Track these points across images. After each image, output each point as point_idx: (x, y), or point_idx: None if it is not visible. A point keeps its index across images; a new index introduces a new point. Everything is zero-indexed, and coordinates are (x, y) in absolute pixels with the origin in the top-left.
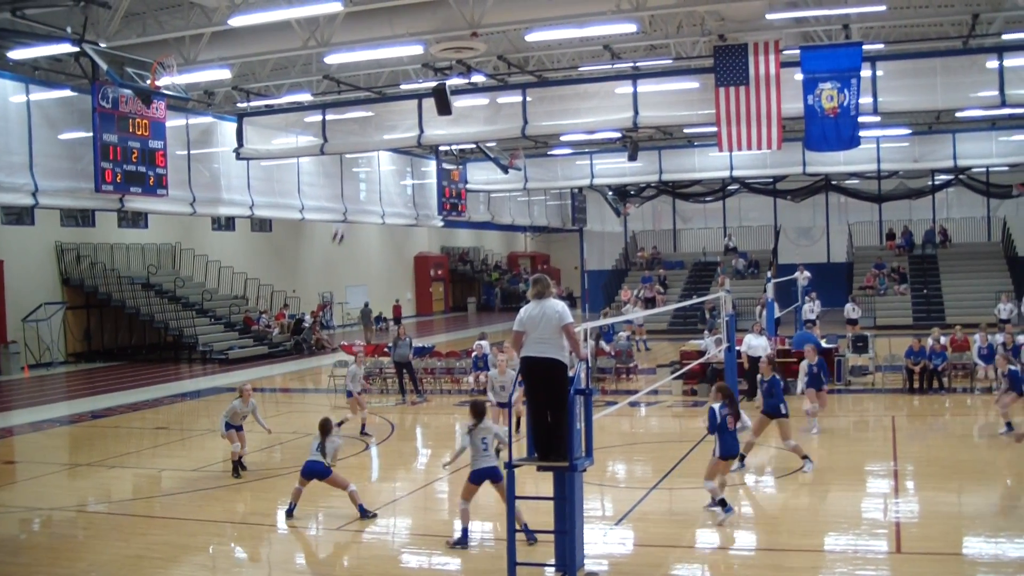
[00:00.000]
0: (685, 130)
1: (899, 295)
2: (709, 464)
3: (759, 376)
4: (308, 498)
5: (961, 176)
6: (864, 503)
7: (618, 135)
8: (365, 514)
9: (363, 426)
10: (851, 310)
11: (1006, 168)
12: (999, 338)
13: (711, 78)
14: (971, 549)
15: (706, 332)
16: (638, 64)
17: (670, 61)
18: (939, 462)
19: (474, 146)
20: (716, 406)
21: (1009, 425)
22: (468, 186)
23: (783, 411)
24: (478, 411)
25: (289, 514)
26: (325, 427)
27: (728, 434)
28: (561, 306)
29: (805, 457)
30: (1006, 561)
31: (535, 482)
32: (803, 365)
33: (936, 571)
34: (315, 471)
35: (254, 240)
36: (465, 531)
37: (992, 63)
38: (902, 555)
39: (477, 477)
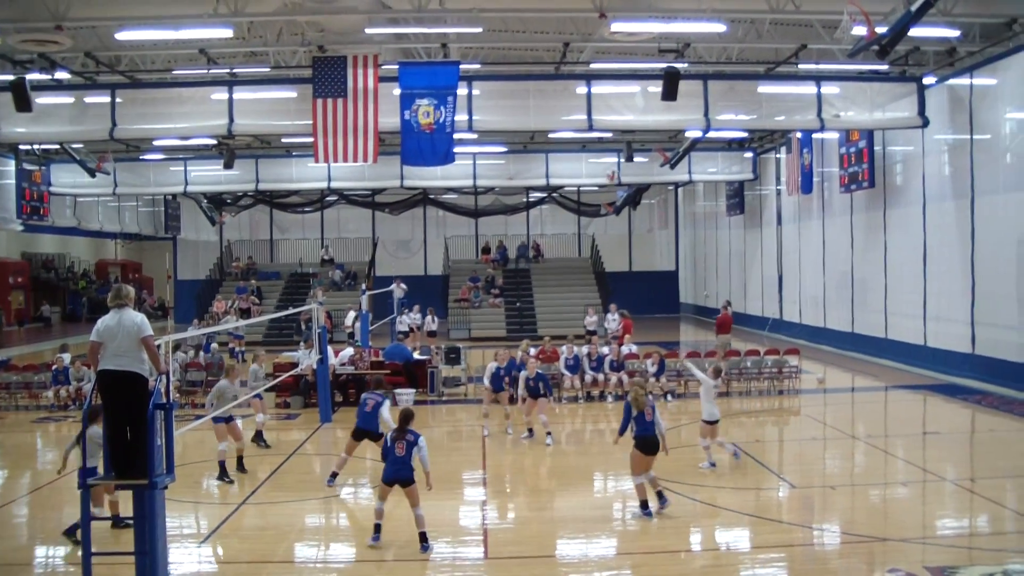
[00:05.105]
0: (283, 139)
1: (493, 307)
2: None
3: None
4: None
5: (554, 194)
6: (457, 511)
7: (213, 142)
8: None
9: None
10: (430, 322)
11: (595, 188)
12: (584, 349)
13: (309, 88)
14: (560, 551)
15: (301, 344)
16: (235, 70)
17: (268, 69)
18: (528, 469)
19: (58, 146)
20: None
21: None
22: (52, 188)
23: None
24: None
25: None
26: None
27: (393, 457)
28: (140, 317)
29: None
30: (591, 560)
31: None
32: (522, 376)
33: (525, 574)
34: None
35: None
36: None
37: (581, 89)
38: (491, 561)
39: None
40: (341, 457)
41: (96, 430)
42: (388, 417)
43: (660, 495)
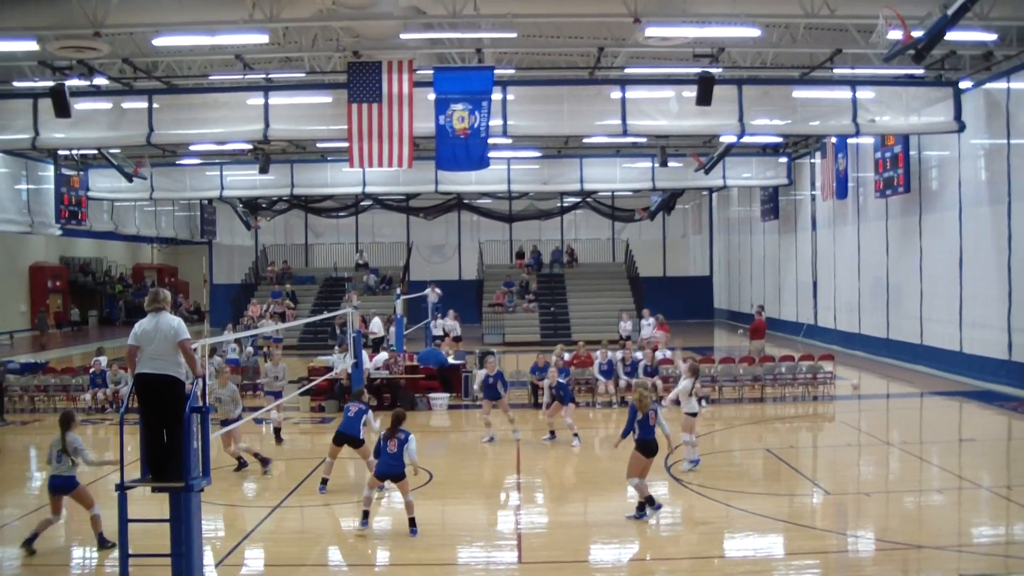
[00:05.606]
0: (318, 144)
1: (527, 312)
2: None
3: (547, 382)
4: None
5: (588, 199)
6: (490, 515)
7: (249, 147)
8: (104, 543)
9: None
10: (454, 328)
11: (629, 193)
12: (618, 355)
13: (344, 93)
14: (593, 556)
15: (336, 348)
16: (271, 76)
17: (303, 74)
18: (562, 474)
19: (96, 152)
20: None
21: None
22: (90, 193)
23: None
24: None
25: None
26: (67, 420)
27: (385, 455)
28: (177, 321)
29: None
30: (624, 565)
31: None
32: (545, 384)
33: None
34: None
35: None
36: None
37: (616, 94)
38: (525, 565)
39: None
40: (327, 462)
41: (72, 436)
42: (375, 424)
43: (651, 500)
